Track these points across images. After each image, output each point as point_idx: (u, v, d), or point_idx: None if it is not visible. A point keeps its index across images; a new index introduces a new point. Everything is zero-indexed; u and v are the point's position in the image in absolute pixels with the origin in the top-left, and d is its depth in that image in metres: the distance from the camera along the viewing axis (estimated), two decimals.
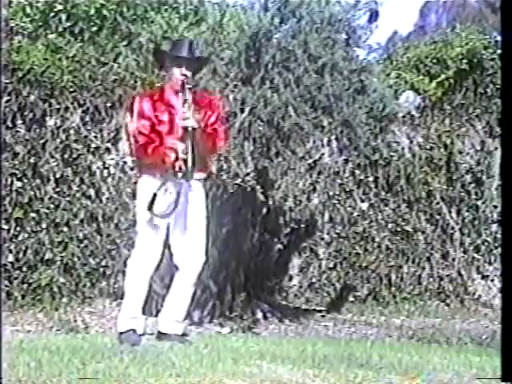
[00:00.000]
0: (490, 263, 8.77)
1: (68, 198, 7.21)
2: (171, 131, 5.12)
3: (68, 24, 7.84)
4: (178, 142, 5.03)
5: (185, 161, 4.99)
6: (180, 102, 5.14)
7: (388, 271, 8.36)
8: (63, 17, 7.83)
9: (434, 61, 9.02)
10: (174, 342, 5.02)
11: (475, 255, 8.74)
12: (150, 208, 5.01)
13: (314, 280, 8.20)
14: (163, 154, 5.04)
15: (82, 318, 6.68)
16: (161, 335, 5.16)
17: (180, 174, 5.00)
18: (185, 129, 5.03)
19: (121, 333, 5.08)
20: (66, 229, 7.18)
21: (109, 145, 7.41)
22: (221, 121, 5.31)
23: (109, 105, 7.37)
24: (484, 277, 8.76)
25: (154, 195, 5.01)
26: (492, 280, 8.73)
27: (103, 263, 7.28)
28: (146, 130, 5.12)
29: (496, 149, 8.76)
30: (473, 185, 8.79)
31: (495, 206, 8.73)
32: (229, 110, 6.93)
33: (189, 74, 5.14)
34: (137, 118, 5.16)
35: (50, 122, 7.21)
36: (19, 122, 7.10)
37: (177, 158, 5.02)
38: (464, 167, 8.77)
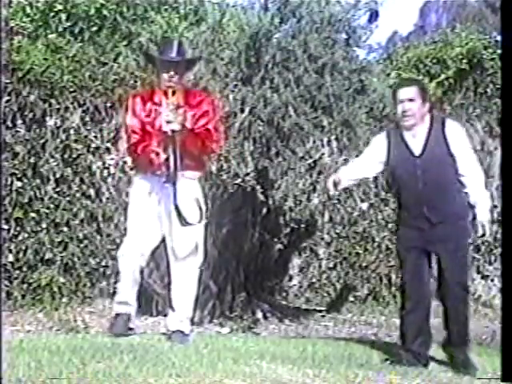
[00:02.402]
0: (490, 263, 8.77)
1: (68, 198, 7.21)
2: (158, 132, 5.18)
3: (68, 24, 7.85)
4: (161, 145, 5.09)
5: (167, 164, 5.05)
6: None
7: (388, 271, 8.36)
8: (63, 17, 7.84)
9: (434, 61, 9.03)
10: (175, 341, 5.07)
11: (475, 255, 8.73)
12: (183, 220, 5.09)
13: (314, 280, 8.20)
14: (150, 156, 5.12)
15: (81, 318, 6.68)
16: (171, 334, 5.24)
17: (163, 178, 5.06)
18: (167, 132, 5.08)
19: (114, 316, 5.28)
20: (66, 229, 7.18)
21: (109, 145, 7.41)
22: (215, 121, 5.30)
23: (109, 105, 7.37)
24: (484, 277, 8.76)
25: (176, 206, 5.08)
26: (492, 280, 8.73)
27: (103, 263, 7.28)
28: (138, 129, 5.22)
29: (496, 149, 8.76)
30: None
31: (495, 206, 8.72)
32: (229, 110, 6.95)
33: (176, 76, 5.19)
34: (130, 117, 5.28)
35: (50, 122, 7.20)
36: (19, 121, 7.10)
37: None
38: None
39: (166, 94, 5.21)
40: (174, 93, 5.17)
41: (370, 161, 5.23)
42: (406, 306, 5.14)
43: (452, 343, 5.17)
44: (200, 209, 5.19)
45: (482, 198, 5.06)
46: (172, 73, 5.18)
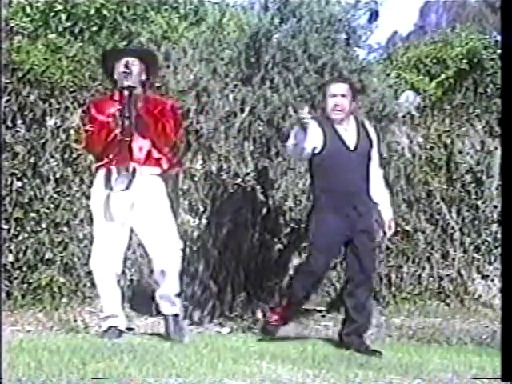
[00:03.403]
0: (490, 263, 8.76)
1: (68, 198, 7.21)
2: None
3: (68, 24, 7.85)
4: (116, 104, 5.10)
5: (123, 118, 5.06)
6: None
7: (388, 271, 8.36)
8: (63, 17, 7.84)
9: (434, 61, 9.03)
10: (171, 329, 5.11)
11: (475, 255, 8.73)
12: (107, 186, 5.13)
13: None
14: (105, 125, 5.11)
15: (81, 318, 6.67)
16: (166, 319, 5.29)
17: (119, 132, 5.06)
18: (123, 90, 5.09)
19: (103, 331, 5.28)
20: (66, 229, 7.17)
21: None
22: (176, 122, 5.31)
23: None
24: (484, 277, 8.76)
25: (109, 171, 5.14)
26: (492, 280, 8.72)
27: None
28: (96, 129, 5.21)
29: (496, 149, 8.76)
30: (473, 185, 8.78)
31: (495, 206, 8.73)
32: (229, 109, 6.95)
33: (134, 61, 5.19)
34: (89, 123, 5.30)
35: (50, 122, 7.20)
36: (19, 121, 7.10)
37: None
38: (464, 167, 8.77)
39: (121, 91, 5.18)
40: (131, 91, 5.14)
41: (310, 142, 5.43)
42: (311, 289, 5.62)
43: (356, 332, 5.54)
44: (165, 205, 5.21)
45: (384, 197, 5.69)
46: (127, 58, 5.18)
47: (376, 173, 5.63)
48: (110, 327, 5.26)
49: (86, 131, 5.33)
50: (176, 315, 5.28)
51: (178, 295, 5.33)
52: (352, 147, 5.51)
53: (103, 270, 5.22)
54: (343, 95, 5.52)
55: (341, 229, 5.48)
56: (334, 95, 5.52)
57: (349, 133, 5.54)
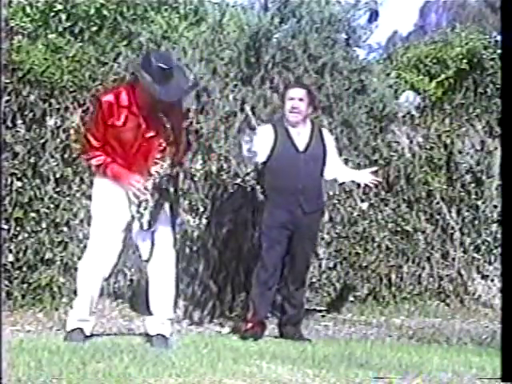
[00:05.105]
0: (490, 263, 8.76)
1: (68, 198, 7.20)
2: (129, 147, 4.94)
3: (68, 24, 7.83)
4: (146, 194, 4.92)
5: (151, 212, 4.92)
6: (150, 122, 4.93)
7: (388, 271, 8.36)
8: (63, 17, 7.83)
9: (434, 61, 9.02)
10: (156, 346, 4.92)
11: (475, 255, 8.73)
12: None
13: (314, 280, 8.19)
14: (124, 180, 4.95)
15: None
16: (151, 338, 5.08)
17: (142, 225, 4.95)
18: (156, 183, 4.92)
19: (68, 331, 5.09)
20: (65, 229, 7.17)
21: None
22: (182, 133, 5.12)
23: None
24: (484, 277, 8.76)
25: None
26: (492, 280, 8.72)
27: None
28: (99, 135, 4.98)
29: (496, 149, 8.76)
30: (473, 185, 8.78)
31: (495, 206, 8.73)
32: (229, 109, 6.95)
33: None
34: (96, 118, 5.01)
35: (50, 121, 7.20)
36: (19, 121, 7.09)
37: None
38: (464, 167, 8.77)
39: (144, 108, 4.93)
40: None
41: (260, 148, 5.89)
42: (269, 281, 5.99)
43: (289, 322, 6.09)
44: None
45: (347, 170, 6.35)
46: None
47: (337, 166, 6.16)
48: (76, 329, 5.08)
49: (87, 140, 5.07)
50: (162, 336, 5.03)
51: (170, 319, 5.15)
52: (302, 149, 5.92)
53: (91, 272, 5.13)
54: (301, 99, 5.93)
55: (286, 223, 5.90)
56: (292, 98, 5.94)
57: (301, 136, 5.94)
